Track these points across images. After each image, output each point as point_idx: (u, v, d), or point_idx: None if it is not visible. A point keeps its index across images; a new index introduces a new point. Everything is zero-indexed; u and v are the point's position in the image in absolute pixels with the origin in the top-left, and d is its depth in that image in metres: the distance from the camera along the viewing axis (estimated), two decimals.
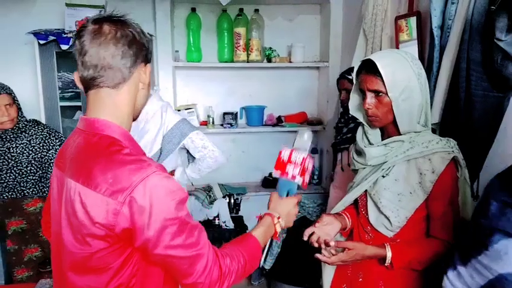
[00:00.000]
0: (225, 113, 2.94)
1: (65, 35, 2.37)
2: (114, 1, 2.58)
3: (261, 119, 3.02)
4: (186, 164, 2.04)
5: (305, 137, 1.13)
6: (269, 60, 2.94)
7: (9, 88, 2.01)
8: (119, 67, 0.89)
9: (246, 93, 3.07)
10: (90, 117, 0.90)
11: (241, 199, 2.84)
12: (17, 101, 2.04)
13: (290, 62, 2.95)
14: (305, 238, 1.31)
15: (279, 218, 1.08)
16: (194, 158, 1.98)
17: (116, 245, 0.84)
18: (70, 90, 2.56)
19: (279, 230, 1.08)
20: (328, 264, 1.28)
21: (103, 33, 0.87)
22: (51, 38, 2.34)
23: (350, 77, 2.11)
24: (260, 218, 1.08)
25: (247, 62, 2.86)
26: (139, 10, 2.76)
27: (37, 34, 2.33)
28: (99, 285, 0.87)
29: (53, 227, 0.96)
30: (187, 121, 1.96)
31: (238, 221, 2.83)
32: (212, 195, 2.72)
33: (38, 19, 2.50)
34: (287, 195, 1.13)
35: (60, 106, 2.51)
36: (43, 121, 2.41)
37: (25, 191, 2.13)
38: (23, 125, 2.07)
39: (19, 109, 2.05)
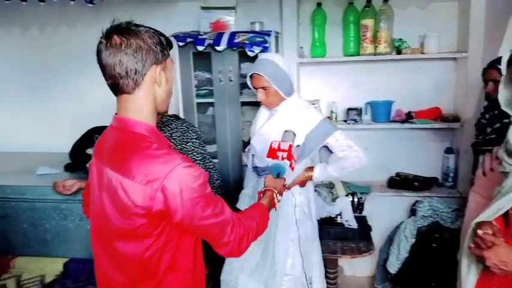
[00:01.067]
0: (349, 109, 2.86)
1: (200, 37, 2.57)
2: (244, 1, 2.70)
3: (387, 114, 2.86)
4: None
5: (291, 134, 1.52)
6: (398, 52, 2.76)
7: None
8: (129, 75, 1.03)
9: (371, 87, 2.94)
10: (120, 117, 1.09)
11: (365, 199, 2.73)
12: None
13: (422, 53, 2.73)
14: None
15: (277, 193, 1.41)
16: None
17: (154, 220, 1.04)
18: (204, 88, 2.77)
19: (276, 201, 1.40)
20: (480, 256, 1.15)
21: (112, 45, 1.01)
22: (189, 40, 2.56)
23: (500, 66, 1.86)
24: (261, 193, 1.42)
25: (374, 54, 2.73)
26: (266, 9, 2.85)
27: (177, 37, 2.57)
28: (142, 250, 1.07)
29: (94, 208, 1.16)
30: (329, 120, 1.98)
31: (362, 221, 2.73)
32: (335, 193, 2.67)
33: (177, 23, 2.75)
34: (277, 177, 1.46)
35: (196, 102, 2.72)
36: (181, 116, 2.64)
37: None
38: (166, 119, 2.28)
39: None
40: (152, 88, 1.08)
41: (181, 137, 2.31)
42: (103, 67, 1.05)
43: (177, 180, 1.00)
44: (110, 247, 1.12)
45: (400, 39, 2.76)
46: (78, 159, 2.65)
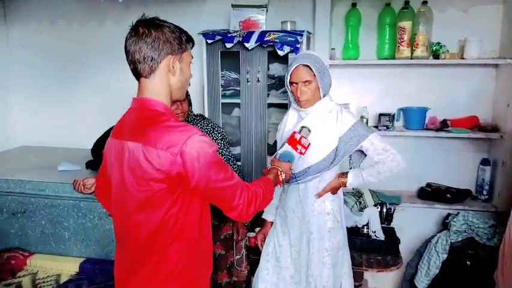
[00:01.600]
0: (380, 114, 2.73)
1: (229, 35, 2.48)
2: (276, 0, 2.60)
3: (421, 121, 2.72)
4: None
5: (307, 131, 1.64)
6: (436, 57, 2.62)
7: None
8: (145, 61, 1.17)
9: (405, 93, 2.80)
10: (141, 97, 1.21)
11: (394, 209, 2.59)
12: (189, 95, 2.17)
13: (462, 58, 2.57)
14: None
15: (281, 171, 1.51)
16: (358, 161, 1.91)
17: (171, 185, 1.14)
18: (231, 88, 2.68)
19: (281, 179, 1.50)
20: None
21: (136, 35, 1.17)
22: (218, 37, 2.47)
23: None
24: (266, 171, 1.51)
25: (411, 58, 2.60)
26: (298, 8, 2.76)
27: (206, 34, 2.49)
28: (156, 217, 1.17)
29: (115, 185, 1.26)
30: (363, 122, 1.86)
31: (390, 232, 2.59)
32: (362, 202, 2.54)
33: (207, 21, 2.69)
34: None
35: (221, 103, 2.64)
36: (206, 116, 2.56)
37: None
38: (192, 118, 2.21)
39: (190, 104, 2.19)
40: (167, 75, 1.21)
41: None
42: (127, 53, 1.20)
43: (195, 146, 1.12)
44: (127, 218, 1.22)
45: (439, 43, 2.62)
46: (100, 156, 2.59)
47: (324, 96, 1.80)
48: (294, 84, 1.77)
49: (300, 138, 1.59)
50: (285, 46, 2.42)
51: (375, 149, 1.82)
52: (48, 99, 3.35)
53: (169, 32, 1.19)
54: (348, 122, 1.81)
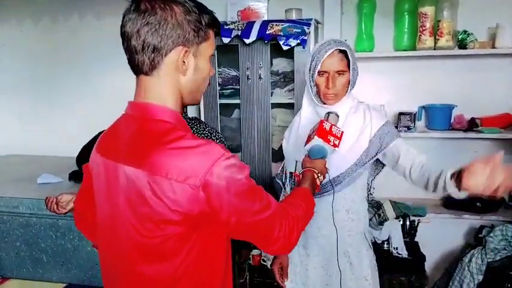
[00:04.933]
0: (400, 113, 2.42)
1: (226, 27, 2.20)
2: None
3: (447, 121, 2.41)
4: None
5: (335, 117, 1.33)
6: (463, 47, 2.30)
7: None
8: (145, 51, 0.86)
9: (428, 88, 2.49)
10: (140, 102, 0.90)
11: (418, 222, 2.28)
12: None
13: (493, 47, 2.27)
14: None
15: (318, 173, 1.23)
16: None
17: (190, 228, 0.87)
18: (230, 86, 2.41)
19: (319, 183, 1.24)
20: None
21: (135, 11, 0.85)
22: None
23: None
24: (298, 176, 1.26)
25: (434, 49, 2.29)
26: None
27: None
28: (169, 271, 0.89)
29: (102, 221, 0.98)
30: (391, 123, 1.56)
31: (413, 248, 2.29)
32: (382, 214, 2.24)
33: None
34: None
35: (219, 103, 2.36)
36: (202, 119, 2.32)
37: None
38: (187, 122, 1.95)
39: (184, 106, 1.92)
40: (175, 73, 0.89)
41: None
42: (122, 36, 0.88)
43: (223, 173, 0.83)
44: (126, 272, 0.93)
45: (465, 31, 2.31)
46: None
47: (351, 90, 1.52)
48: (322, 74, 1.44)
49: (331, 126, 1.28)
50: (290, 39, 2.13)
51: (408, 150, 1.50)
52: (31, 103, 3.13)
53: (183, 12, 0.85)
54: (379, 121, 1.53)
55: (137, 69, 0.89)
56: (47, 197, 1.54)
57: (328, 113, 1.34)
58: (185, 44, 0.87)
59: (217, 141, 2.01)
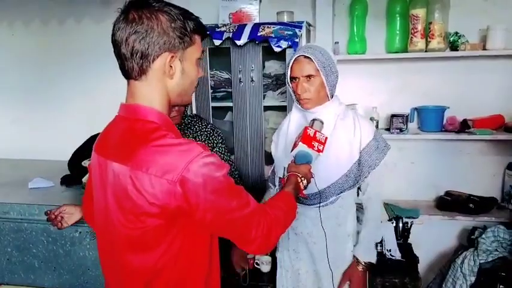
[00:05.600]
0: (393, 115, 2.42)
1: (218, 29, 2.19)
2: None
3: (439, 122, 2.41)
4: None
5: (319, 123, 1.36)
6: (454, 48, 2.31)
7: None
8: (133, 57, 0.91)
9: (420, 90, 2.49)
10: (131, 104, 0.96)
11: (411, 224, 2.28)
12: None
13: (484, 49, 2.27)
14: None
15: (301, 177, 1.26)
16: None
17: (169, 221, 0.91)
18: (222, 89, 2.39)
19: (302, 186, 1.26)
20: None
21: (124, 20, 0.91)
22: None
23: None
24: (284, 180, 1.28)
25: (426, 51, 2.29)
26: None
27: None
28: (153, 260, 0.94)
29: (98, 213, 1.03)
30: (380, 135, 1.58)
31: (406, 250, 2.28)
32: None
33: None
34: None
35: (212, 106, 2.35)
36: None
37: None
38: (189, 120, 1.97)
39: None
40: (162, 78, 0.95)
41: (206, 141, 1.98)
42: (113, 43, 0.94)
43: (200, 170, 0.87)
44: (116, 260, 1.00)
45: (457, 32, 2.32)
46: (78, 170, 2.30)
47: (331, 97, 1.53)
48: (294, 80, 1.51)
49: (315, 133, 1.33)
50: (281, 41, 2.12)
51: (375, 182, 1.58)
52: (23, 107, 3.09)
53: (168, 20, 0.91)
54: (369, 131, 1.56)
55: (127, 74, 0.96)
56: (47, 212, 1.50)
57: (313, 120, 1.37)
58: (171, 49, 0.92)
59: (219, 138, 2.03)
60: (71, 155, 2.40)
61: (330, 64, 1.48)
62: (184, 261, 0.97)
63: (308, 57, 1.45)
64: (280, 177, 1.61)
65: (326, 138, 1.35)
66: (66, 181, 2.30)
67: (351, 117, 1.55)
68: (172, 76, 0.95)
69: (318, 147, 1.32)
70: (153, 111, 0.95)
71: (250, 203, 0.97)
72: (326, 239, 1.52)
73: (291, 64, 1.50)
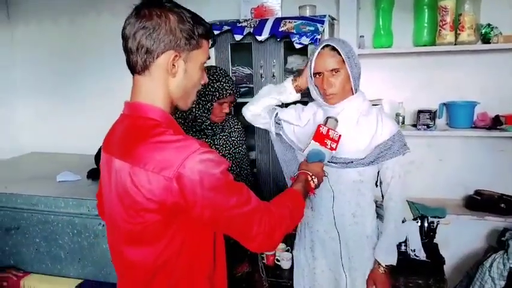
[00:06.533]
0: (420, 111, 2.34)
1: (239, 25, 2.18)
2: None
3: (469, 119, 2.32)
4: None
5: (334, 121, 1.33)
6: (486, 41, 2.20)
7: None
8: (139, 52, 0.94)
9: (449, 85, 2.40)
10: (134, 102, 0.99)
11: (437, 223, 2.21)
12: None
13: None
14: None
15: (312, 175, 1.24)
16: None
17: (168, 217, 0.92)
18: (244, 85, 2.38)
19: (313, 185, 1.24)
20: None
21: (135, 16, 0.94)
22: (226, 28, 2.17)
23: None
24: (294, 179, 1.26)
25: (455, 44, 2.19)
26: None
27: (212, 25, 2.20)
28: (154, 256, 0.95)
29: (107, 208, 1.05)
30: (402, 136, 1.53)
31: (432, 250, 2.21)
32: None
33: (214, 10, 2.40)
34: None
35: None
36: None
37: None
38: (226, 117, 1.95)
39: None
40: (165, 75, 0.97)
41: (238, 138, 1.98)
42: (122, 37, 0.97)
43: (196, 167, 0.87)
44: (117, 254, 1.04)
45: (489, 24, 2.21)
46: None
47: (355, 91, 1.48)
48: (318, 76, 1.46)
49: (328, 131, 1.31)
50: (303, 38, 2.08)
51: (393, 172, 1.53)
52: (56, 102, 3.18)
53: (177, 20, 0.94)
54: (390, 130, 1.51)
55: (132, 68, 0.99)
56: None
57: (328, 117, 1.35)
58: (176, 49, 0.95)
59: (245, 137, 2.01)
60: (97, 150, 2.47)
61: (353, 55, 1.44)
62: (186, 257, 0.98)
63: (333, 50, 1.42)
64: (291, 176, 1.60)
65: (340, 136, 1.32)
66: (92, 175, 2.36)
67: (374, 114, 1.51)
68: (174, 74, 0.97)
69: (331, 145, 1.30)
70: (154, 108, 0.97)
71: (251, 200, 0.96)
72: (340, 240, 1.49)
73: (314, 58, 1.45)
